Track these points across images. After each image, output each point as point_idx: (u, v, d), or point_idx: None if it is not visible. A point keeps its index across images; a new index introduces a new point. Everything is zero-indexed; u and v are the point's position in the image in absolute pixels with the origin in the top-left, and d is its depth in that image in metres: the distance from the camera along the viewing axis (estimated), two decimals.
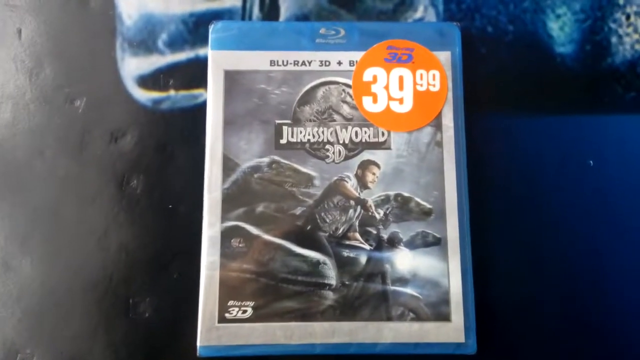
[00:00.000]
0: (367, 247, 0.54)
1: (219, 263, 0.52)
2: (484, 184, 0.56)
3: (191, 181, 0.55)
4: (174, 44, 0.58)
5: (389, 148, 0.56)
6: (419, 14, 0.61)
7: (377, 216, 0.54)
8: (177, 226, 0.55)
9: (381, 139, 0.56)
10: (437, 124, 0.56)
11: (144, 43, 0.58)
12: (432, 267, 0.53)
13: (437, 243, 0.54)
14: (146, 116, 0.57)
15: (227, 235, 0.53)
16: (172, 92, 0.58)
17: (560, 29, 0.59)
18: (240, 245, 0.53)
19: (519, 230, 0.55)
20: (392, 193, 0.55)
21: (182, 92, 0.58)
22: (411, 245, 0.54)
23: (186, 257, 0.54)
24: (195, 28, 0.59)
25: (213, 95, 0.56)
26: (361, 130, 0.56)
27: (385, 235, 0.54)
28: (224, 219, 0.53)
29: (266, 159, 0.55)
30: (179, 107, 0.58)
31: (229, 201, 0.54)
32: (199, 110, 0.57)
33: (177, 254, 0.55)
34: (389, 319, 0.52)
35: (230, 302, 0.54)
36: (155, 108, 0.58)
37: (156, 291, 0.54)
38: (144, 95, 0.58)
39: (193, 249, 0.53)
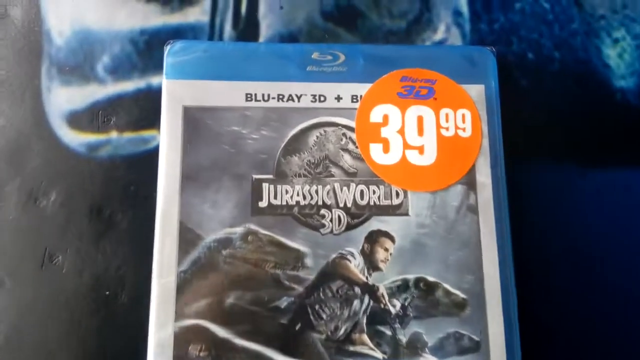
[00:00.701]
0: (380, 355, 0.44)
1: None
2: (536, 263, 0.49)
3: (136, 259, 0.47)
4: (119, 71, 0.50)
5: (406, 214, 0.47)
6: (439, 35, 0.55)
7: (393, 310, 0.46)
8: (114, 323, 0.46)
9: (395, 202, 0.48)
10: (470, 182, 0.48)
11: (79, 68, 0.50)
12: None
13: (475, 349, 0.45)
14: (78, 167, 0.48)
15: (183, 339, 0.43)
16: (114, 135, 0.50)
17: (619, 56, 0.53)
18: (201, 354, 0.43)
19: (587, 326, 0.48)
20: (411, 277, 0.46)
21: (128, 135, 0.50)
22: (440, 351, 0.45)
23: None
24: (148, 49, 0.51)
25: (168, 140, 0.47)
26: (368, 189, 0.48)
27: (403, 337, 0.45)
28: (179, 315, 0.44)
29: (239, 230, 0.46)
30: (122, 154, 0.49)
31: (187, 290, 0.44)
32: (150, 159, 0.48)
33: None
34: None
35: None
36: (91, 156, 0.49)
37: None
38: (75, 138, 0.49)
39: (135, 357, 0.43)
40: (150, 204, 0.46)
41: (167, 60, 0.47)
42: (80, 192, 0.49)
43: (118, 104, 0.50)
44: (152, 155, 0.48)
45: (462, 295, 0.45)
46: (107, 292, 0.47)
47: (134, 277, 0.47)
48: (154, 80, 0.50)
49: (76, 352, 0.45)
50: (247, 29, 0.52)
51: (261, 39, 0.52)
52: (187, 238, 0.45)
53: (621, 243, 0.50)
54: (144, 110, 0.50)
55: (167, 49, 0.48)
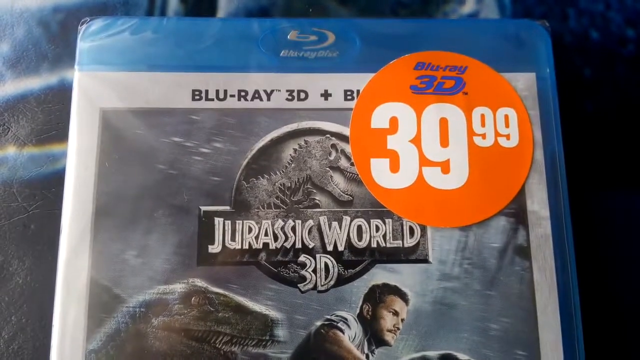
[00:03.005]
0: None
1: None
2: (615, 330, 0.39)
3: (37, 329, 0.38)
4: (22, 62, 0.43)
5: (424, 260, 0.37)
6: (467, 7, 0.46)
7: None
8: None
9: (409, 243, 0.37)
10: (519, 212, 0.38)
11: None
12: None
13: None
14: None
15: None
16: (11, 150, 0.41)
17: None
18: None
19: None
20: (434, 354, 0.36)
21: (30, 150, 0.42)
22: None
23: None
24: (63, 33, 0.44)
25: (77, 158, 0.38)
26: (369, 224, 0.38)
27: None
28: None
29: (179, 287, 0.36)
30: (22, 178, 0.41)
31: None
32: (59, 185, 0.38)
33: None
34: None
35: None
36: None
37: None
38: None
39: None
40: (57, 249, 0.36)
41: (80, 45, 0.39)
42: None
43: (19, 108, 0.42)
44: (62, 178, 0.38)
45: None
46: None
47: (34, 354, 0.38)
48: (70, 75, 0.42)
49: None
50: (200, 2, 0.44)
51: (220, 15, 0.44)
52: (100, 302, 0.35)
53: None
54: (54, 115, 0.42)
55: (81, 29, 0.39)
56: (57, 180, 0.40)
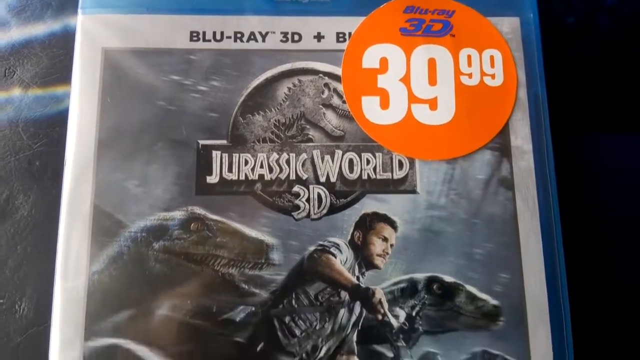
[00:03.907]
0: None
1: None
2: (595, 256, 0.42)
3: (41, 257, 0.41)
4: (26, 9, 0.46)
5: (412, 191, 0.40)
6: None
7: (395, 322, 0.38)
8: (10, 342, 0.40)
9: (398, 174, 0.41)
10: (502, 146, 0.41)
11: None
12: None
13: None
14: None
15: None
16: (16, 92, 0.44)
17: None
18: None
19: None
20: (421, 277, 0.39)
21: (35, 92, 0.45)
22: None
23: None
24: None
25: (80, 94, 0.40)
26: (360, 158, 0.41)
27: None
28: (90, 332, 0.37)
29: (179, 214, 0.39)
30: (27, 118, 0.44)
31: (102, 297, 0.37)
32: (63, 124, 0.41)
33: None
34: None
35: None
36: None
37: None
38: None
39: None
40: (60, 184, 0.39)
41: None
42: None
43: (24, 52, 0.45)
44: (65, 118, 0.41)
45: (493, 302, 0.38)
46: (1, 301, 0.41)
47: (38, 281, 0.41)
48: (72, 22, 0.45)
49: None
50: None
51: None
52: (103, 226, 0.38)
53: None
54: (58, 59, 0.45)
55: None
56: (60, 120, 0.43)
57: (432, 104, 0.41)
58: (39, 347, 0.38)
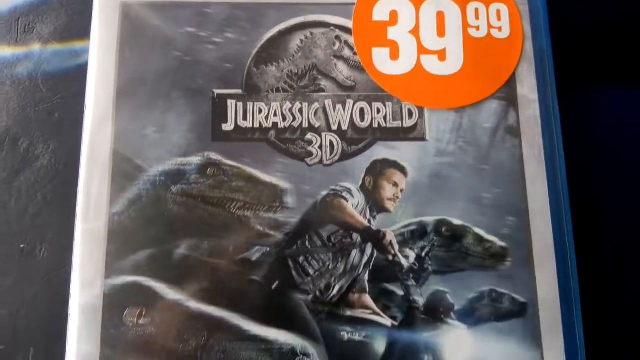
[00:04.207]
0: (388, 321, 0.38)
1: (100, 358, 0.36)
2: (600, 200, 0.44)
3: (60, 204, 0.42)
4: None
5: (422, 138, 0.42)
6: None
7: (405, 263, 0.39)
8: (31, 285, 0.41)
9: (408, 123, 0.42)
10: (509, 96, 0.42)
11: None
12: (513, 358, 0.37)
13: (519, 313, 0.39)
14: None
15: (116, 302, 0.37)
16: (36, 47, 0.45)
17: None
18: (141, 322, 0.37)
19: None
20: (431, 220, 0.40)
21: (54, 47, 0.45)
22: (470, 317, 0.39)
23: (44, 342, 0.39)
24: None
25: (99, 45, 0.42)
26: (371, 107, 0.42)
27: (420, 298, 0.39)
28: (111, 270, 0.38)
29: (196, 160, 0.40)
30: (46, 72, 0.45)
31: (122, 238, 0.38)
32: (81, 78, 0.42)
33: (29, 339, 0.40)
34: None
35: None
36: (5, 74, 0.45)
37: None
38: None
39: (56, 328, 0.38)
40: (80, 134, 0.40)
41: None
42: None
43: (43, 8, 0.46)
44: (83, 73, 0.42)
45: (500, 243, 0.40)
46: (23, 246, 0.42)
47: (58, 227, 0.42)
48: None
49: None
50: None
51: None
52: (122, 171, 0.39)
53: None
54: (77, 14, 0.46)
55: None
56: (79, 74, 0.44)
57: (441, 55, 0.42)
58: (59, 289, 0.39)
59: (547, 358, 0.38)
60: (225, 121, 0.40)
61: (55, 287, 0.40)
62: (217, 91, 0.41)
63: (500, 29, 0.43)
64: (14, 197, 0.42)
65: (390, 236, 0.39)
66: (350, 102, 0.41)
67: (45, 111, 0.44)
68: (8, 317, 0.40)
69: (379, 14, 0.43)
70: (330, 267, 0.39)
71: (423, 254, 0.39)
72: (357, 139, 0.41)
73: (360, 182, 0.40)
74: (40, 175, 0.42)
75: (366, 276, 0.39)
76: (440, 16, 0.42)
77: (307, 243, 0.39)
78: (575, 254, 0.39)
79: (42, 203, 0.42)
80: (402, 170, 0.41)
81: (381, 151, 0.41)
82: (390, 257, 0.39)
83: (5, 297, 0.41)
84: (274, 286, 0.38)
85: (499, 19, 0.43)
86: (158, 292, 0.37)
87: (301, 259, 0.39)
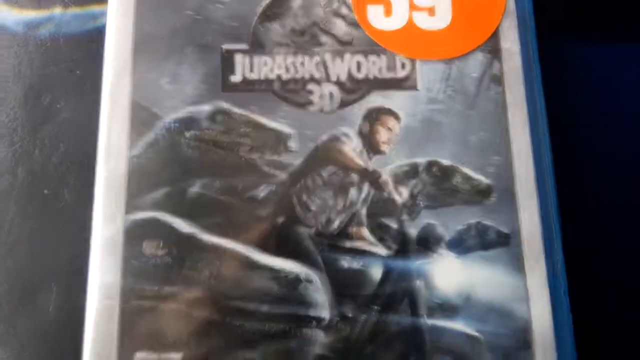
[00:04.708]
0: (384, 250, 0.41)
1: (121, 286, 0.39)
2: (578, 141, 0.46)
3: (81, 154, 0.45)
4: None
5: (414, 88, 0.44)
6: None
7: (399, 199, 0.42)
8: (54, 228, 0.43)
9: (401, 74, 0.44)
10: (493, 48, 0.45)
11: None
12: (498, 283, 0.40)
13: (504, 242, 0.41)
14: (13, 48, 0.46)
15: (135, 235, 0.40)
16: (57, 10, 0.47)
17: None
18: (159, 252, 0.40)
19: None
20: (422, 161, 0.43)
21: (74, 10, 0.47)
22: (459, 247, 0.41)
23: (65, 278, 0.42)
24: None
25: (117, 6, 0.44)
26: (367, 59, 0.45)
27: (413, 230, 0.41)
28: (131, 207, 0.41)
29: (207, 108, 0.43)
30: (66, 33, 0.47)
31: (141, 178, 0.41)
32: (99, 39, 0.44)
33: (51, 274, 0.42)
34: None
35: (140, 354, 0.38)
36: (29, 35, 0.46)
37: (13, 336, 0.41)
38: (11, 16, 0.47)
39: (78, 262, 0.41)
40: (98, 90, 0.42)
41: None
42: (16, 76, 0.46)
43: None
44: (101, 35, 0.44)
45: (486, 181, 0.42)
46: (46, 191, 0.44)
47: (79, 174, 0.44)
48: None
49: (5, 263, 0.42)
50: None
51: None
52: (140, 118, 0.42)
53: None
54: None
55: None
56: (98, 35, 0.46)
57: (431, 11, 0.44)
58: (80, 231, 0.42)
59: (530, 283, 0.40)
60: (233, 73, 0.43)
61: (76, 229, 0.42)
62: (225, 46, 0.43)
63: None
64: (37, 147, 0.44)
65: (385, 176, 0.42)
66: (347, 55, 0.44)
67: (67, 69, 0.46)
68: (30, 257, 0.42)
69: None
70: (330, 203, 0.41)
71: (415, 192, 0.41)
72: (354, 89, 0.43)
73: (357, 128, 0.43)
74: (62, 128, 0.44)
75: (364, 211, 0.41)
76: None
77: (309, 182, 0.41)
78: (555, 190, 0.41)
79: (64, 153, 0.44)
80: (396, 116, 0.43)
81: (377, 100, 0.43)
82: (386, 195, 0.41)
83: (29, 239, 0.42)
84: (279, 220, 0.40)
85: None
86: (174, 226, 0.40)
87: (304, 196, 0.41)
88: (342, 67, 0.44)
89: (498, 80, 0.44)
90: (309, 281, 0.39)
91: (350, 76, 0.44)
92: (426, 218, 0.41)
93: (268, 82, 0.43)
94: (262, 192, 0.41)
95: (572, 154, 0.45)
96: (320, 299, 0.39)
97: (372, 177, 0.42)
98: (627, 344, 0.42)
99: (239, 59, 0.43)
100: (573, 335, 0.39)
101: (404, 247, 0.41)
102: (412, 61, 0.44)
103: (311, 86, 0.43)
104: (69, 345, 0.39)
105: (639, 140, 0.46)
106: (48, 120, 0.45)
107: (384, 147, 0.42)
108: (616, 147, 0.45)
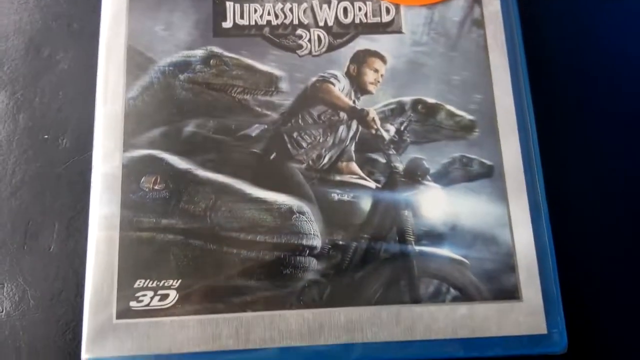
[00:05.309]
0: (372, 184, 0.42)
1: (120, 218, 0.40)
2: (556, 79, 0.47)
3: (79, 102, 0.46)
4: None
5: (399, 31, 0.45)
6: None
7: (386, 135, 0.43)
8: (54, 168, 0.44)
9: (386, 19, 0.45)
10: None
11: None
12: (482, 212, 0.41)
13: (486, 174, 0.42)
14: (15, 5, 0.48)
15: (133, 171, 0.41)
16: None
17: None
18: (156, 187, 0.41)
19: (616, 145, 0.46)
20: (408, 99, 0.43)
21: None
22: (444, 178, 0.42)
23: (67, 214, 0.43)
24: None
25: None
26: (353, 5, 0.45)
27: (400, 164, 0.42)
28: (128, 145, 0.41)
29: (200, 52, 0.44)
30: None
31: (138, 118, 0.42)
32: None
33: (54, 215, 0.43)
34: (415, 300, 0.39)
35: (139, 282, 0.39)
36: None
37: (18, 273, 0.42)
38: None
39: (79, 198, 0.43)
40: (96, 42, 0.43)
41: None
42: (17, 30, 0.47)
43: None
44: None
45: (469, 117, 0.43)
46: (46, 136, 0.44)
47: (77, 121, 0.45)
48: None
49: (9, 204, 0.43)
50: None
51: None
52: (136, 62, 0.42)
53: None
54: None
55: None
56: None
57: None
58: (80, 172, 0.43)
59: (512, 212, 0.40)
60: (225, 20, 0.43)
61: (76, 171, 0.43)
62: None
63: None
64: (38, 95, 0.44)
65: (373, 113, 0.42)
66: (334, 1, 0.44)
67: (65, 23, 0.46)
68: (33, 197, 0.43)
69: None
70: (320, 140, 0.41)
71: (402, 128, 0.42)
72: (341, 33, 0.44)
73: (345, 69, 0.43)
74: (61, 77, 0.45)
75: (352, 147, 0.41)
76: None
77: (300, 121, 0.42)
78: (535, 124, 0.42)
79: (63, 100, 0.44)
80: (382, 58, 0.43)
81: (363, 43, 0.44)
82: (373, 131, 0.42)
83: (32, 181, 0.43)
84: (271, 157, 0.41)
85: None
86: (171, 162, 0.40)
87: (295, 134, 0.41)
88: (329, 12, 0.44)
89: (479, 23, 0.44)
90: (302, 213, 0.40)
91: (337, 21, 0.44)
92: (412, 153, 0.42)
93: (258, 27, 0.43)
94: (254, 130, 0.41)
95: (551, 91, 0.45)
96: (312, 229, 0.39)
97: (360, 115, 0.42)
98: (605, 267, 0.42)
99: (229, 5, 0.43)
100: (555, 260, 0.39)
101: (392, 180, 0.41)
102: (397, 6, 0.45)
103: (300, 31, 0.44)
104: (71, 279, 0.40)
105: (614, 76, 0.46)
106: (48, 70, 0.45)
107: (371, 87, 0.43)
108: (592, 84, 0.45)
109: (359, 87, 0.43)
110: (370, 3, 0.44)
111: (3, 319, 0.39)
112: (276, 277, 0.38)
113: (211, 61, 0.42)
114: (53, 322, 0.39)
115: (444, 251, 0.39)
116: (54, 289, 0.40)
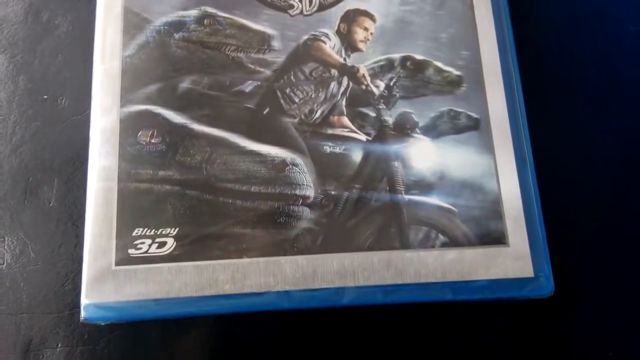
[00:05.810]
0: (363, 136, 0.42)
1: (118, 169, 0.40)
2: (540, 35, 0.48)
3: (77, 65, 0.46)
4: None
5: None
6: None
7: (376, 91, 0.43)
8: (54, 126, 0.45)
9: None
10: None
11: None
12: (470, 162, 0.42)
13: (474, 127, 0.43)
14: None
15: (130, 125, 0.41)
16: None
17: None
18: (153, 140, 0.41)
19: (596, 98, 0.47)
20: (397, 56, 0.44)
21: None
22: (433, 131, 0.43)
23: (67, 171, 0.44)
24: None
25: None
26: None
27: (390, 118, 0.43)
28: (125, 101, 0.42)
29: (193, 12, 0.44)
30: None
31: (134, 75, 0.42)
32: None
33: (53, 172, 0.44)
34: (405, 246, 0.40)
35: (138, 230, 0.39)
36: None
37: (19, 227, 0.43)
38: None
39: (78, 155, 0.43)
40: (93, 6, 0.43)
41: None
42: None
43: None
44: None
45: (456, 72, 0.43)
46: (45, 97, 0.45)
47: (76, 82, 0.45)
48: None
49: (10, 161, 0.43)
50: None
51: None
52: (131, 22, 0.43)
53: None
54: None
55: None
56: None
57: None
58: (78, 131, 0.43)
59: (499, 162, 0.41)
60: None
61: (74, 129, 0.43)
62: None
63: None
64: (37, 58, 0.44)
65: (363, 70, 0.42)
66: None
67: None
68: (33, 154, 0.43)
69: None
70: (312, 95, 0.42)
71: (391, 84, 0.42)
72: None
73: (335, 28, 0.43)
74: (60, 40, 0.45)
75: (344, 102, 0.42)
76: None
77: (292, 77, 0.42)
78: (520, 80, 0.42)
79: (62, 63, 0.44)
80: (371, 17, 0.44)
81: (353, 3, 0.44)
82: (364, 87, 0.42)
83: (32, 139, 0.43)
84: (265, 112, 0.41)
85: None
86: (167, 117, 0.40)
87: (287, 90, 0.42)
88: None
89: None
90: (295, 164, 0.40)
91: None
92: (402, 107, 0.42)
93: None
94: (248, 86, 0.42)
95: (536, 45, 0.46)
96: (305, 180, 0.40)
97: (350, 72, 0.43)
98: (589, 213, 0.43)
99: None
100: (541, 207, 0.39)
101: (382, 133, 0.42)
102: None
103: None
104: (71, 231, 0.40)
105: (598, 27, 0.46)
106: (47, 34, 0.45)
107: (361, 45, 0.43)
108: (577, 37, 0.46)
109: (349, 45, 0.43)
110: None
111: (4, 271, 0.39)
112: (271, 225, 0.38)
113: (205, 20, 0.42)
114: (53, 274, 0.40)
115: (433, 199, 0.39)
116: (54, 242, 0.40)
